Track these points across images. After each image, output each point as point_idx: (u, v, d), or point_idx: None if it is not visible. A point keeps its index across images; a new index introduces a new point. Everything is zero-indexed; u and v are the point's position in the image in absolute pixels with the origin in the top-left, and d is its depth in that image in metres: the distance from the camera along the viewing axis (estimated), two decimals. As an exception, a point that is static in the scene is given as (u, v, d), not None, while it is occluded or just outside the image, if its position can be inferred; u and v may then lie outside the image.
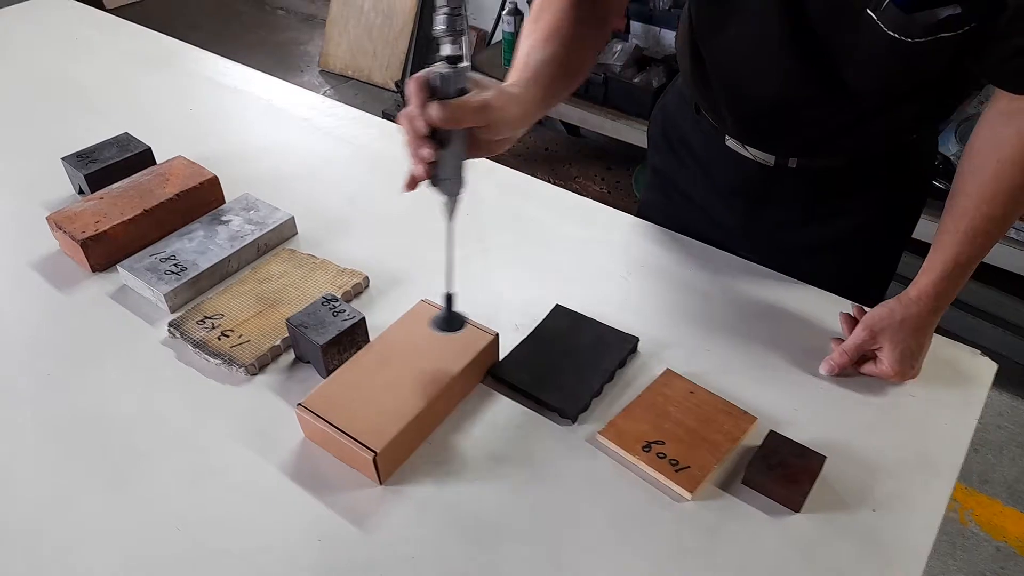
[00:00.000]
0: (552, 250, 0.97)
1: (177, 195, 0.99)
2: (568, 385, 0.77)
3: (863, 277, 1.01)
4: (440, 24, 0.59)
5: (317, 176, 1.12)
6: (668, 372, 0.79)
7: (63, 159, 1.05)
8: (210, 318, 0.85)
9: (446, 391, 0.75)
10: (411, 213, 1.04)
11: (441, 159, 0.64)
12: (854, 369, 0.80)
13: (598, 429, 0.74)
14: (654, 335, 0.84)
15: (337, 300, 0.82)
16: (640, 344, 0.82)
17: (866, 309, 0.84)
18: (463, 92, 0.62)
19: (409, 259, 0.95)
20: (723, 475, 0.71)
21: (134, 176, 1.02)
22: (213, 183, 1.02)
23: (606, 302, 0.88)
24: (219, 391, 0.79)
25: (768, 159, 0.91)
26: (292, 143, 1.20)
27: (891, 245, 1.01)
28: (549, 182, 1.14)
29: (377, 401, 0.72)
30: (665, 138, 1.07)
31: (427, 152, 0.63)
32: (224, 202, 1.04)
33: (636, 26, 2.25)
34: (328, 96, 3.22)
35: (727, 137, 0.94)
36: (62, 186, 1.08)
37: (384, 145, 1.20)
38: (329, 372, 0.79)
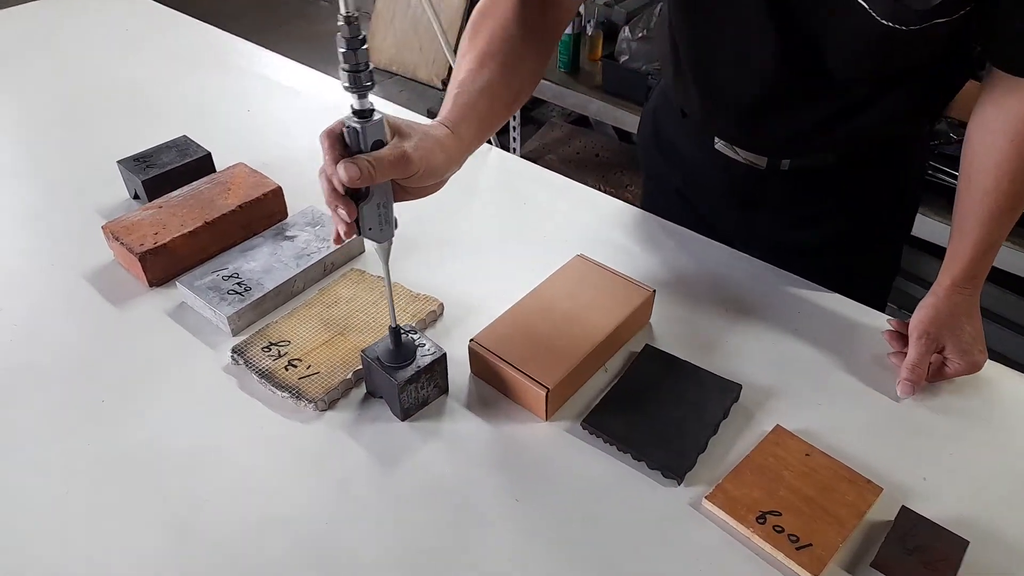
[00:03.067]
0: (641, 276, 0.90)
1: (240, 207, 0.93)
2: (670, 439, 0.70)
3: (867, 279, 0.97)
4: (345, 81, 0.56)
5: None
6: (779, 429, 0.71)
7: (119, 162, 1.00)
8: (276, 344, 0.79)
9: (607, 341, 0.77)
10: (485, 234, 0.97)
11: (362, 213, 0.61)
12: (929, 381, 0.76)
13: (703, 491, 0.67)
14: (740, 372, 0.77)
15: (416, 332, 0.75)
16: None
17: (906, 322, 0.79)
18: (380, 144, 0.59)
19: (484, 284, 0.88)
20: (847, 554, 0.63)
21: (194, 184, 0.96)
22: (277, 194, 0.96)
23: (694, 340, 0.81)
24: (287, 428, 0.73)
25: (760, 161, 0.88)
26: (355, 151, 1.14)
27: (891, 244, 1.00)
28: (600, 189, 1.08)
29: (544, 343, 0.75)
30: (656, 143, 1.03)
31: (344, 212, 0.60)
32: (287, 215, 0.98)
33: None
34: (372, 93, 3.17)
35: (716, 140, 0.90)
36: (116, 190, 1.03)
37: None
38: (404, 411, 0.73)
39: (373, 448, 0.71)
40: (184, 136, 1.05)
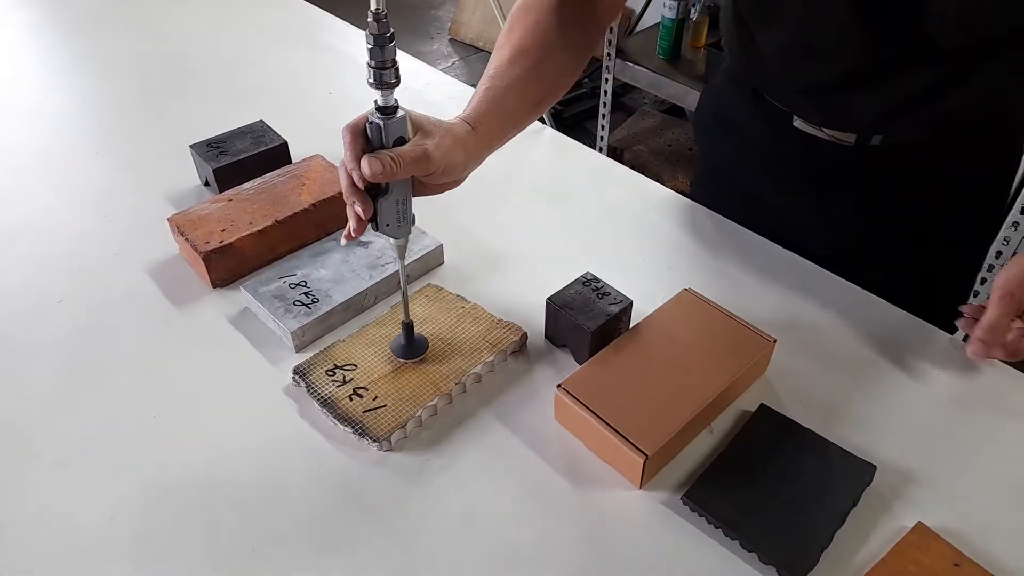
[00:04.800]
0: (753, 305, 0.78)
1: (313, 205, 0.85)
2: (789, 527, 0.59)
3: (950, 268, 0.88)
4: (369, 77, 0.56)
5: (467, 193, 0.95)
6: (921, 528, 0.59)
7: (192, 147, 0.94)
8: (341, 368, 0.71)
9: (717, 399, 0.66)
10: (573, 251, 0.87)
11: (380, 208, 0.62)
12: (1003, 354, 0.68)
13: (825, 598, 0.56)
14: (872, 448, 0.65)
15: (598, 280, 0.74)
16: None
17: (982, 305, 0.69)
18: (402, 141, 0.59)
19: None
20: None
21: (267, 176, 0.89)
22: (353, 192, 0.88)
23: (816, 401, 0.69)
24: (347, 468, 0.65)
25: (847, 138, 0.80)
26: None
27: (982, 230, 0.92)
28: (689, 186, 0.97)
29: (644, 396, 0.65)
30: (719, 126, 0.95)
31: (360, 208, 0.60)
32: (363, 213, 0.90)
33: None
34: (457, 67, 3.08)
35: (795, 118, 0.82)
36: (188, 174, 0.97)
37: (550, 163, 1.04)
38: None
39: (439, 502, 0.63)
40: (261, 121, 0.98)
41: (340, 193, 0.87)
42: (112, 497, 0.63)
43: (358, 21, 1.38)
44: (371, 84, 0.56)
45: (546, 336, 0.76)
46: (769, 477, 0.63)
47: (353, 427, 0.66)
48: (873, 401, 0.70)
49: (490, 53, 0.67)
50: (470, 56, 3.12)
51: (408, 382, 0.70)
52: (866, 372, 0.73)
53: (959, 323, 0.72)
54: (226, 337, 0.77)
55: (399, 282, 0.69)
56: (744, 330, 0.71)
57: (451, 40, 3.25)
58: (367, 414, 0.67)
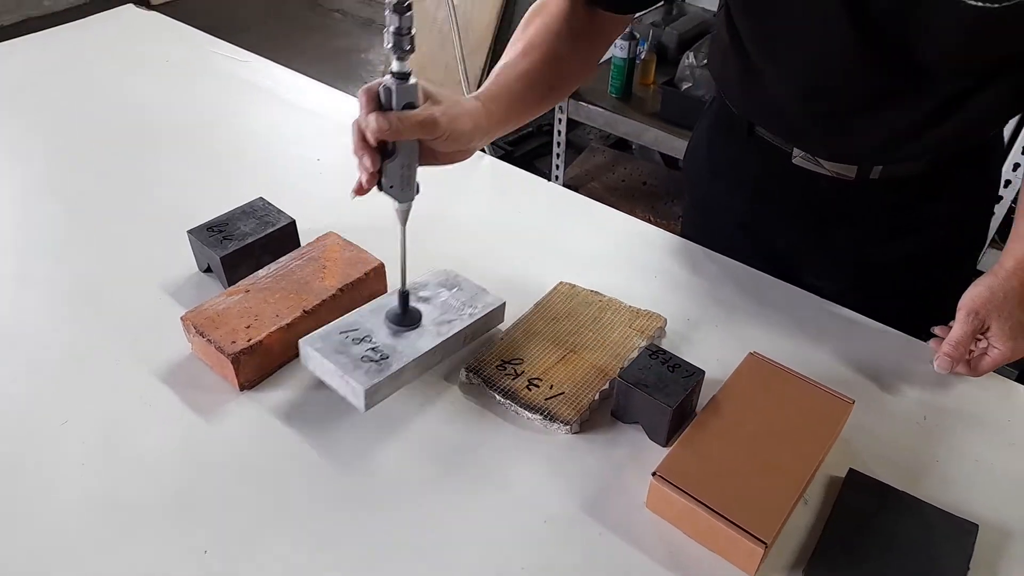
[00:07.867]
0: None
1: (340, 290, 0.80)
2: (914, 605, 0.57)
3: (943, 291, 0.90)
4: (387, 43, 0.60)
5: (497, 254, 0.92)
6: (1040, 588, 0.59)
7: (190, 233, 0.86)
8: (510, 363, 0.74)
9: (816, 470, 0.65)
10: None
11: (386, 168, 0.65)
12: (966, 370, 0.74)
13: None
14: (964, 504, 0.64)
15: (665, 351, 0.71)
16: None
17: (950, 326, 0.75)
18: (412, 106, 0.63)
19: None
20: None
21: (282, 260, 0.83)
22: (379, 272, 0.83)
23: (898, 460, 0.69)
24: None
25: (848, 172, 0.83)
26: (456, 207, 1.00)
27: (969, 253, 0.96)
28: (650, 221, 1.00)
29: (742, 477, 0.63)
30: (711, 167, 0.98)
31: (368, 162, 0.63)
32: (386, 291, 0.85)
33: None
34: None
35: (794, 154, 0.84)
36: (183, 259, 0.89)
37: (565, 217, 1.01)
38: (669, 439, 0.69)
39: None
40: (261, 199, 0.91)
41: (367, 273, 0.81)
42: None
43: (284, 61, 1.33)
44: (387, 49, 0.59)
45: (613, 414, 0.72)
46: (877, 547, 0.61)
47: (541, 414, 0.70)
48: (952, 453, 0.70)
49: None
50: (406, 99, 3.08)
51: (576, 370, 0.74)
52: (938, 424, 0.73)
53: (932, 343, 0.78)
54: (267, 444, 0.70)
55: (400, 245, 0.70)
56: (821, 393, 0.70)
57: (384, 83, 3.20)
58: (549, 401, 0.71)
